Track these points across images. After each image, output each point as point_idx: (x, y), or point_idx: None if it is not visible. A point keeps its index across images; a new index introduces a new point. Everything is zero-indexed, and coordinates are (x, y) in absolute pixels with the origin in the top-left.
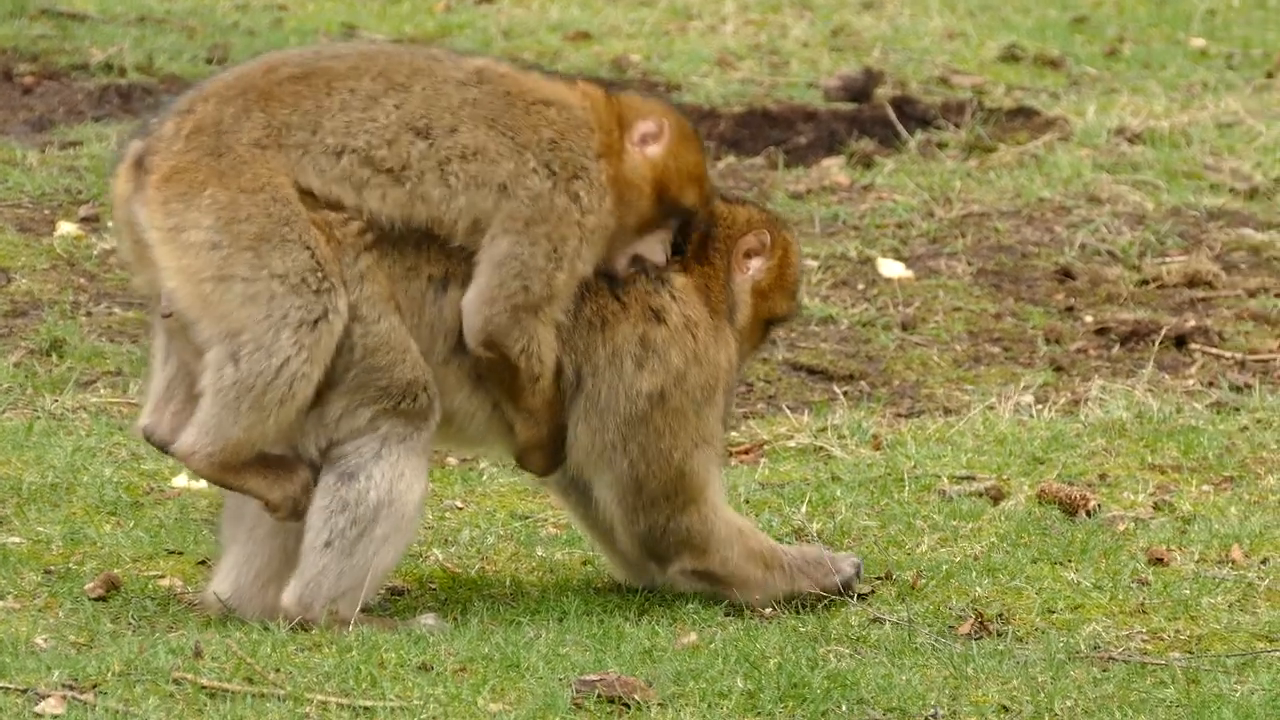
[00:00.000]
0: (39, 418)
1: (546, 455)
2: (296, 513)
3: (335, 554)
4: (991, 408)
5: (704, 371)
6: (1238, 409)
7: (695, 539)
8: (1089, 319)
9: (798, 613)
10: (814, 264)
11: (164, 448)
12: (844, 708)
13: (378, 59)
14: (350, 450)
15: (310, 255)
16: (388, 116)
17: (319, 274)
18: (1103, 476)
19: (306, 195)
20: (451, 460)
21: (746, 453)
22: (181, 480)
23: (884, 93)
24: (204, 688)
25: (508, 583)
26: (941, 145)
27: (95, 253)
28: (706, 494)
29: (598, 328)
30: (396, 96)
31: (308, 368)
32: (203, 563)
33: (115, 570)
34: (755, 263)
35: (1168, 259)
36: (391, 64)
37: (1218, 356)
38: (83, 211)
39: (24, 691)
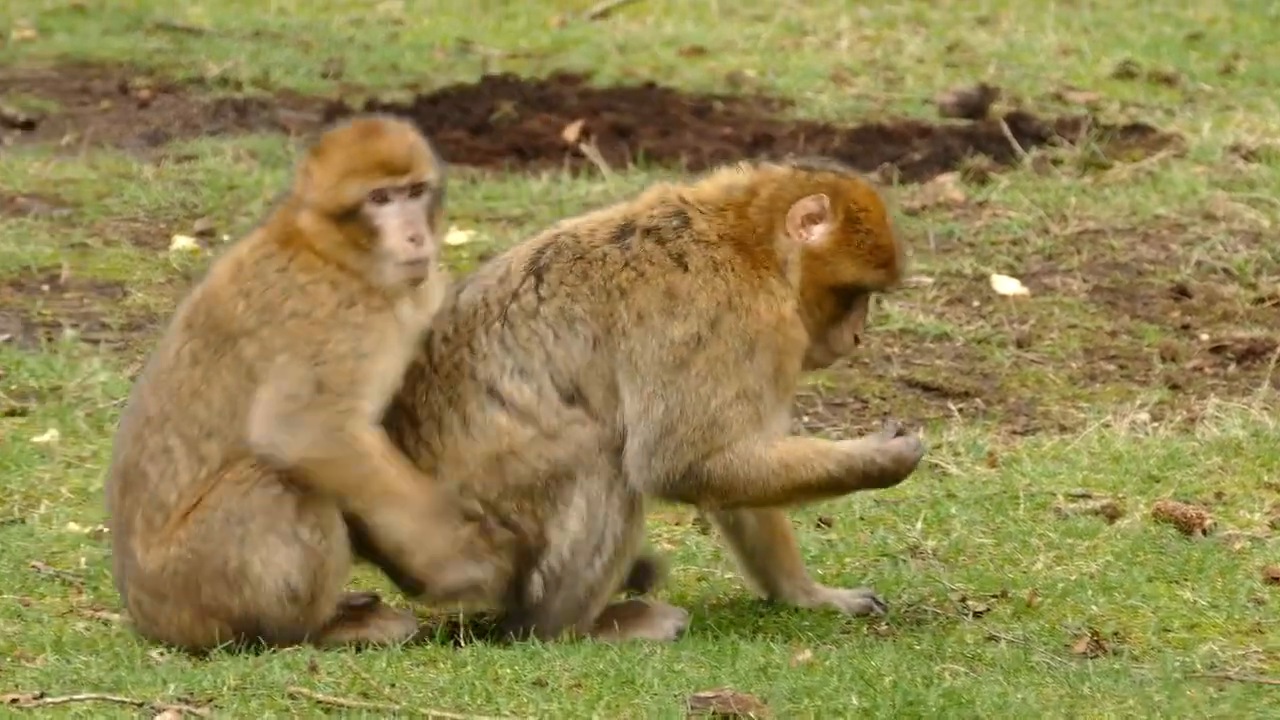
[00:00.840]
0: None
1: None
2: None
3: None
4: (1107, 425)
5: (740, 319)
6: None
7: (717, 483)
8: (1205, 337)
9: (913, 631)
10: (929, 280)
11: None
12: None
13: None
14: None
15: None
16: None
17: None
18: (1219, 495)
19: None
20: None
21: None
22: None
23: (999, 109)
24: (319, 702)
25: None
26: (1056, 162)
27: None
28: (736, 447)
29: (616, 296)
30: None
31: None
32: None
33: None
34: (817, 228)
35: None
36: None
37: None
38: (198, 225)
39: (140, 705)
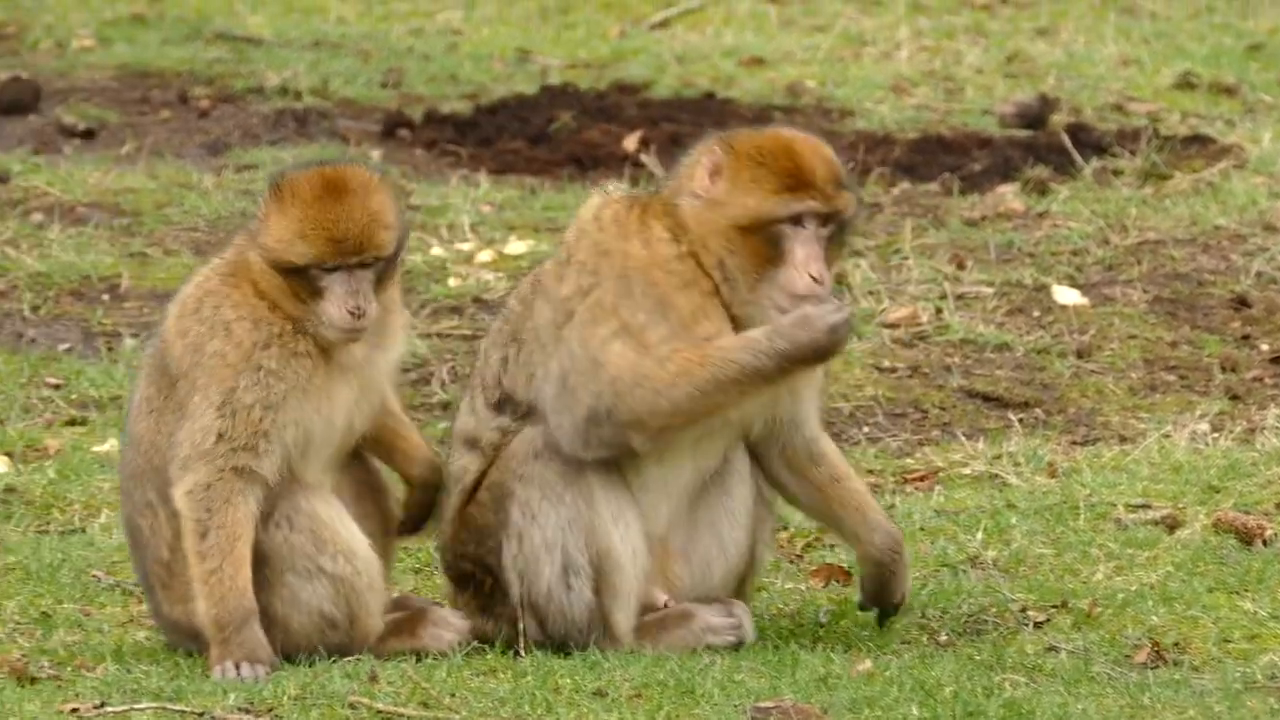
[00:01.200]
0: None
1: None
2: None
3: None
4: (1167, 436)
5: (615, 262)
6: None
7: (623, 416)
8: (1265, 347)
9: (973, 641)
10: (989, 291)
11: None
12: None
13: None
14: None
15: None
16: None
17: None
18: (1279, 505)
19: None
20: None
21: (922, 479)
22: None
23: (1059, 119)
24: (379, 712)
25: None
26: (1117, 172)
27: None
28: (623, 376)
29: (536, 287)
30: None
31: None
32: None
33: None
34: (719, 179)
35: None
36: None
37: None
38: None
39: (200, 715)
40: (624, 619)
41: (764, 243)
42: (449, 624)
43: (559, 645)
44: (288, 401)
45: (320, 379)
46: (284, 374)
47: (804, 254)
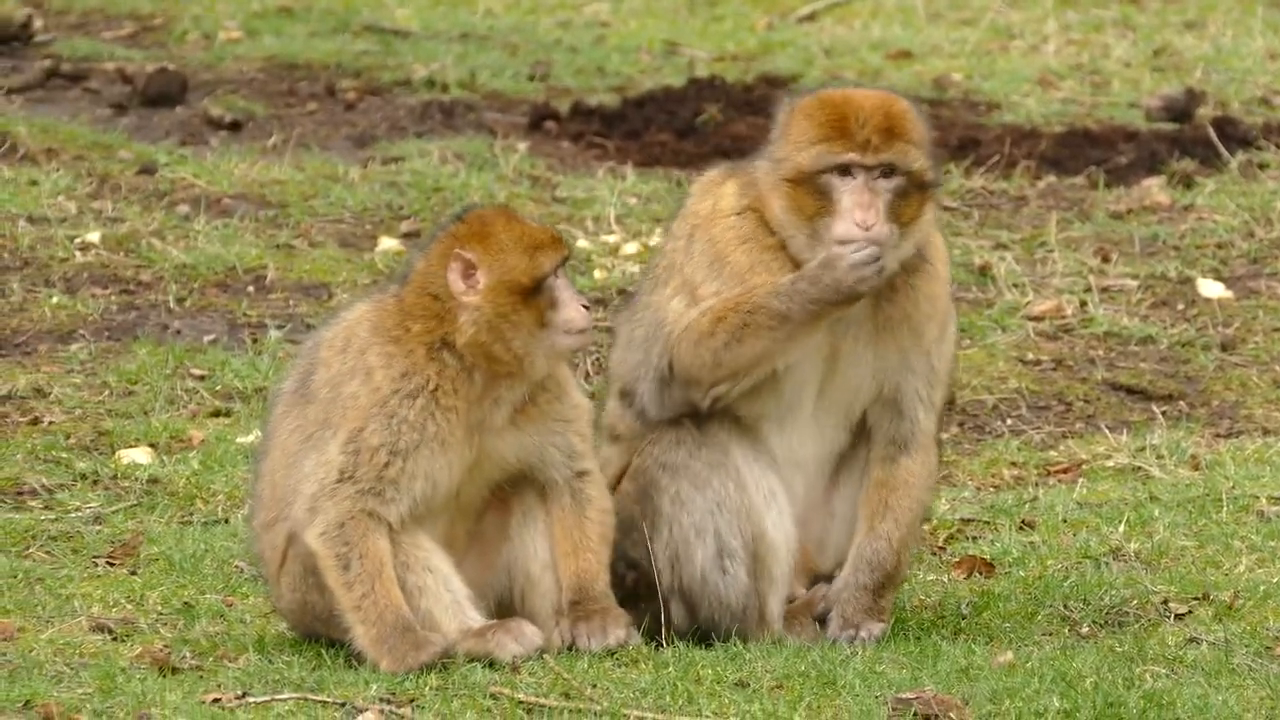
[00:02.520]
0: None
1: None
2: None
3: None
4: None
5: (684, 221)
6: None
7: (681, 368)
8: None
9: (1115, 633)
10: (1133, 284)
11: None
12: None
13: None
14: None
15: None
16: None
17: None
18: None
19: None
20: None
21: (1065, 472)
22: None
23: (1205, 113)
24: (521, 703)
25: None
26: (1263, 166)
27: None
28: (674, 328)
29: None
30: None
31: None
32: None
33: None
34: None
35: None
36: None
37: None
38: (404, 227)
39: (342, 705)
40: (776, 604)
41: (813, 194)
42: (522, 635)
43: (706, 634)
44: (417, 452)
45: (455, 436)
46: (420, 425)
47: (851, 202)
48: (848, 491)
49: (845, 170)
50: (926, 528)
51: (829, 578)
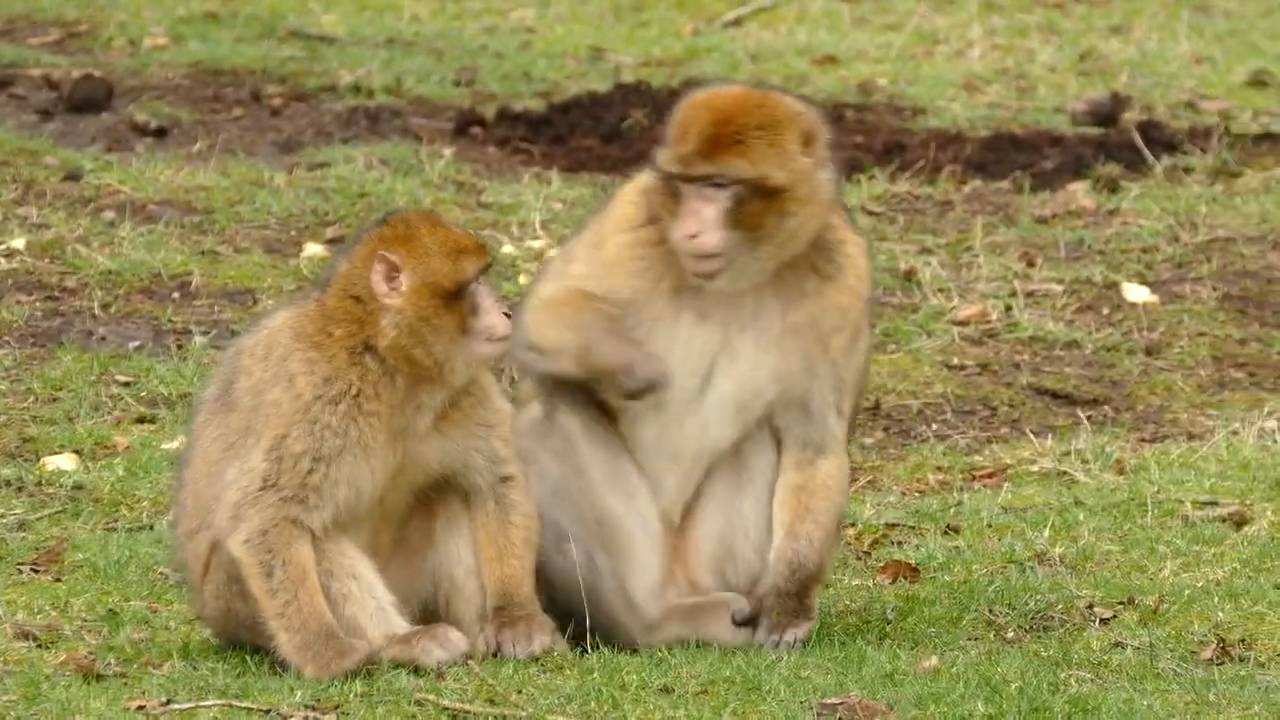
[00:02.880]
0: None
1: None
2: None
3: None
4: (1235, 433)
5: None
6: None
7: (527, 341)
8: None
9: (1039, 637)
10: (1059, 288)
11: None
12: None
13: None
14: None
15: None
16: None
17: None
18: None
19: None
20: None
21: (990, 476)
22: None
23: (1130, 117)
24: (446, 709)
25: None
26: (1188, 170)
27: None
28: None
29: None
30: None
31: None
32: None
33: None
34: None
35: None
36: None
37: None
38: (329, 233)
39: (266, 712)
40: (640, 585)
41: (667, 197)
42: (447, 641)
43: (569, 617)
44: (339, 458)
45: (379, 441)
46: (343, 431)
47: (684, 210)
48: (731, 477)
49: (685, 180)
50: (851, 532)
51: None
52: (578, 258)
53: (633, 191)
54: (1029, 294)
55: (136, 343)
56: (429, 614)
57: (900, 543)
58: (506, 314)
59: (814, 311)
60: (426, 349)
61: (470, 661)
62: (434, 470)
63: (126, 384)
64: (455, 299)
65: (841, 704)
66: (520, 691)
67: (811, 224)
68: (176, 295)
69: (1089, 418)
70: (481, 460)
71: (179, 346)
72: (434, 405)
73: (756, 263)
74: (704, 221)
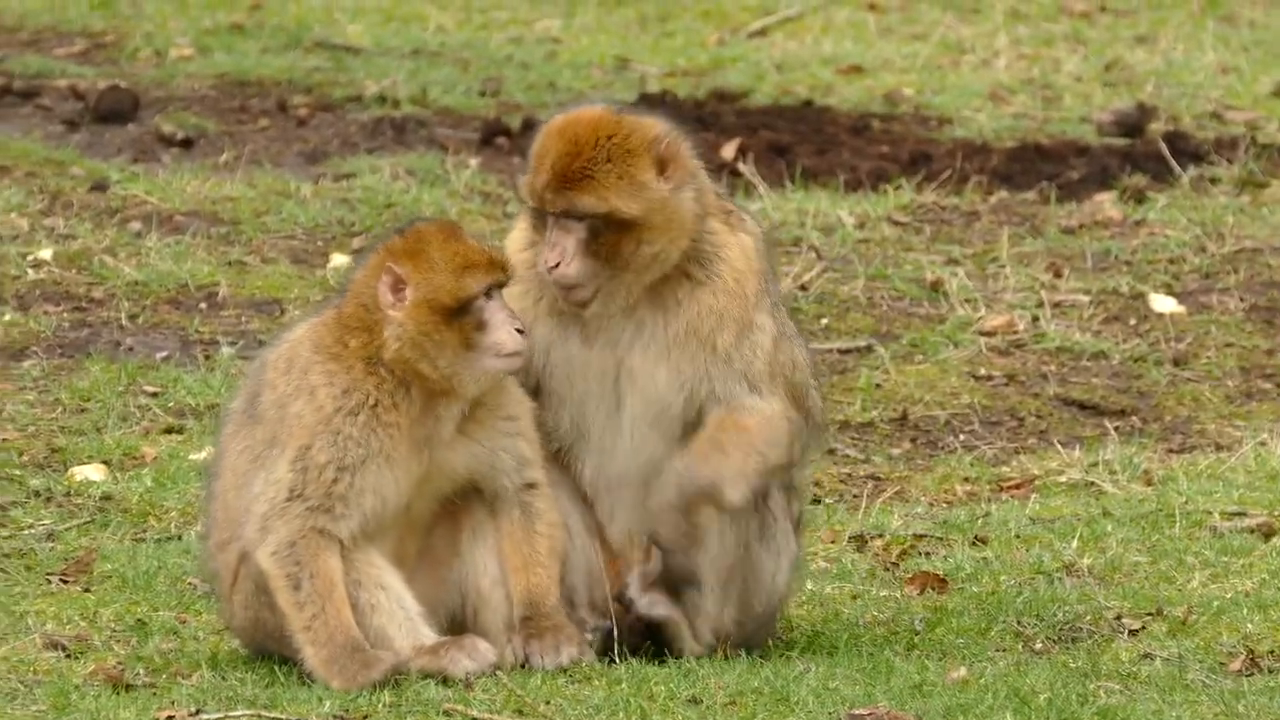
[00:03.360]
0: None
1: None
2: None
3: None
4: (1263, 444)
5: None
6: None
7: None
8: None
9: (1068, 648)
10: (1085, 299)
11: None
12: None
13: None
14: None
15: None
16: None
17: None
18: None
19: None
20: None
21: (1018, 488)
22: None
23: (1157, 128)
24: (474, 719)
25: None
26: (1214, 180)
27: None
28: None
29: None
30: None
31: None
32: None
33: None
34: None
35: None
36: None
37: None
38: (356, 243)
39: None
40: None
41: (535, 223)
42: (475, 651)
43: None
44: (364, 467)
45: (402, 451)
46: (364, 441)
47: (545, 241)
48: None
49: (540, 210)
50: (879, 543)
51: None
52: None
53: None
54: (1056, 304)
55: (164, 353)
56: (456, 625)
57: (928, 554)
58: (519, 330)
59: (690, 319)
60: (430, 363)
61: (498, 672)
62: (461, 476)
63: (154, 394)
64: (458, 315)
65: (869, 715)
66: (548, 702)
67: (675, 246)
68: (204, 306)
69: (1116, 428)
70: (509, 461)
71: (206, 357)
72: (453, 415)
73: (623, 288)
74: (564, 252)
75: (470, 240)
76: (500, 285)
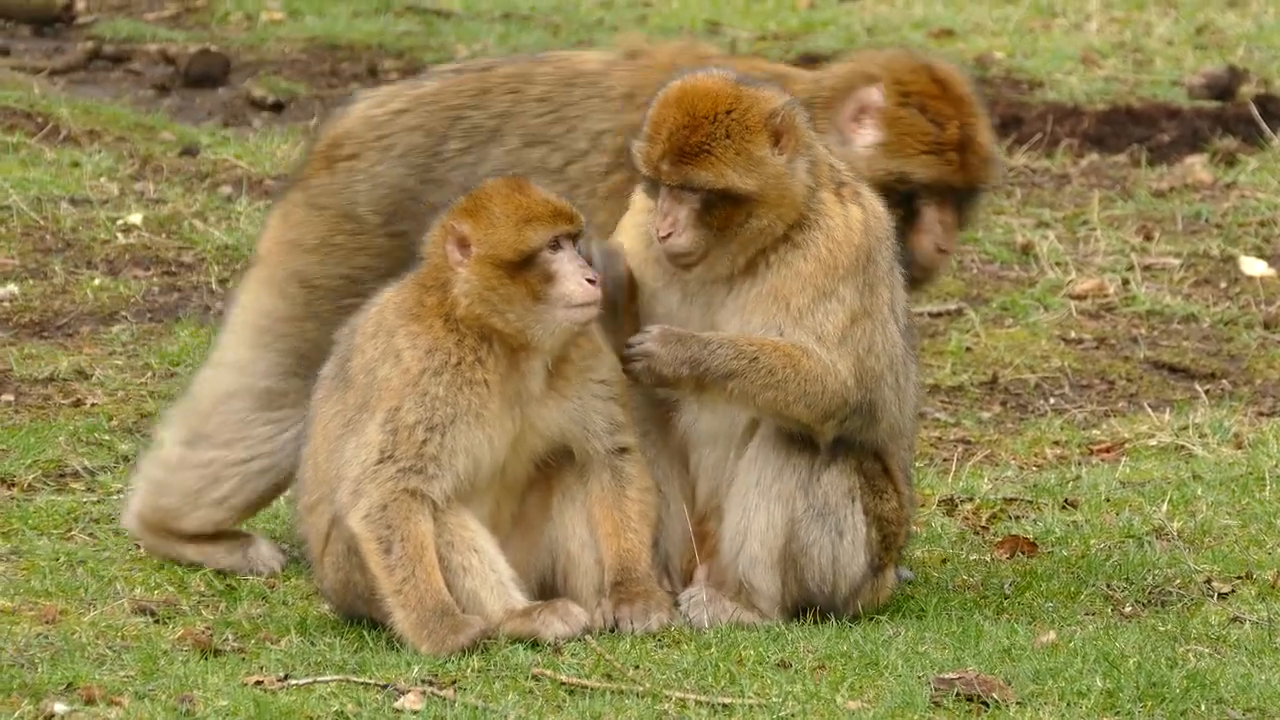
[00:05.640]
0: None
1: None
2: None
3: None
4: None
5: None
6: None
7: None
8: None
9: (1158, 612)
10: (1176, 262)
11: None
12: (1203, 707)
13: None
14: None
15: None
16: None
17: None
18: None
19: None
20: None
21: (1108, 451)
22: None
23: (1248, 90)
24: (563, 684)
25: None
26: None
27: None
28: None
29: None
30: None
31: None
32: None
33: None
34: None
35: None
36: None
37: None
38: None
39: (384, 687)
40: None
41: (650, 187)
42: (568, 614)
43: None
44: (453, 426)
45: (492, 409)
46: (450, 401)
47: (659, 208)
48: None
49: (655, 180)
50: (969, 507)
51: None
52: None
53: None
54: (1146, 268)
55: None
56: (546, 589)
57: (1018, 517)
58: (590, 280)
59: (776, 281)
60: (501, 316)
61: (587, 637)
62: (554, 435)
63: None
64: (522, 268)
65: (959, 679)
66: (637, 666)
67: (784, 219)
68: None
69: (1206, 392)
70: (601, 423)
71: None
72: (538, 370)
73: (729, 256)
74: (676, 223)
75: (536, 193)
76: (569, 235)
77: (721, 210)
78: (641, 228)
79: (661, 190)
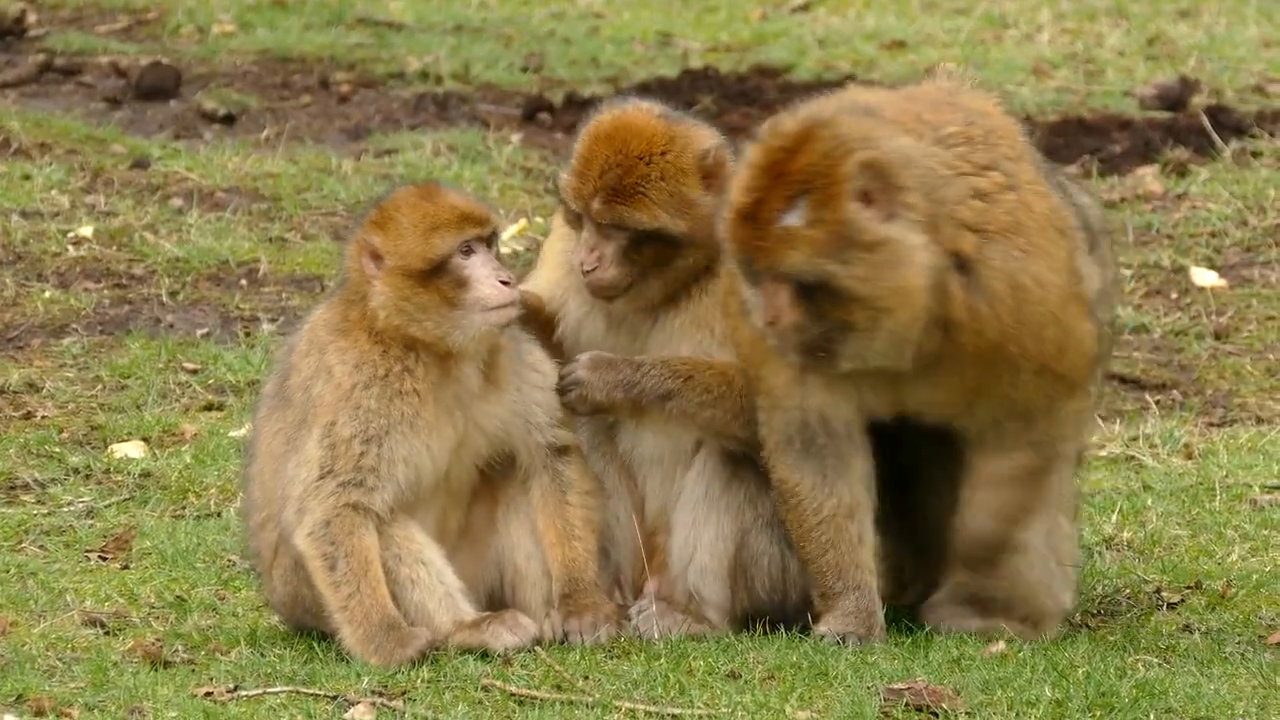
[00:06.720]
0: None
1: None
2: None
3: None
4: None
5: None
6: None
7: None
8: None
9: (1107, 622)
10: (1127, 273)
11: None
12: (1152, 717)
13: None
14: None
15: None
16: None
17: None
18: None
19: None
20: None
21: None
22: None
23: (1199, 101)
24: (512, 695)
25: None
26: (1256, 154)
27: None
28: None
29: None
30: None
31: None
32: None
33: None
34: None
35: None
36: None
37: None
38: None
39: (334, 698)
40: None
41: (573, 219)
42: (516, 625)
43: None
44: (387, 437)
45: (426, 417)
46: (383, 412)
47: (584, 240)
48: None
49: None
50: None
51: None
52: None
53: None
54: None
55: (204, 330)
56: (495, 601)
57: None
58: (504, 282)
59: (699, 311)
60: (419, 326)
61: (537, 648)
62: (497, 431)
63: (194, 371)
64: (433, 275)
65: (908, 689)
66: (587, 677)
67: (709, 256)
68: (244, 282)
69: (1157, 402)
70: (541, 415)
71: (247, 334)
72: (471, 373)
73: (652, 290)
74: (602, 258)
75: (445, 199)
76: (481, 239)
77: (649, 249)
78: (563, 255)
79: (588, 224)
